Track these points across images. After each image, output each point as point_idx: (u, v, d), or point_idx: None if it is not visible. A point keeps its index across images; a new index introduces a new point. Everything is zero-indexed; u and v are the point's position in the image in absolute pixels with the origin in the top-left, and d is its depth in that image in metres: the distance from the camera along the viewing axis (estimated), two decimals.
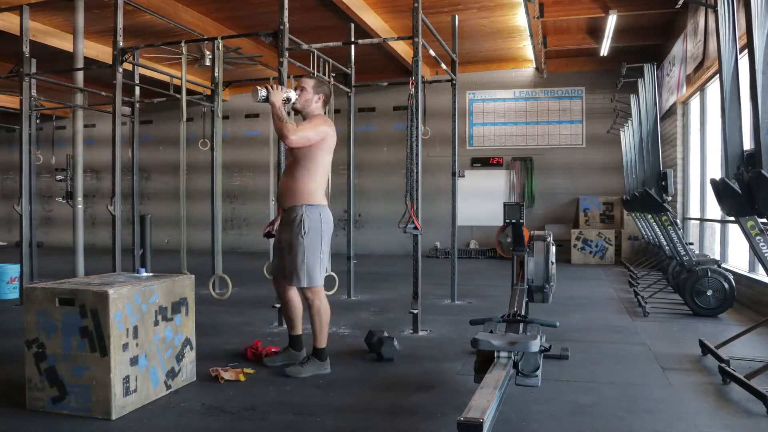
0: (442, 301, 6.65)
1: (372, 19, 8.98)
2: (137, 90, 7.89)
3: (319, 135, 3.76)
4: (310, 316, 3.84)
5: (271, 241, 4.13)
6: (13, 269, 6.82)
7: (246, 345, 4.30)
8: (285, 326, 4.52)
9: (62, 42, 9.31)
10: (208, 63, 8.19)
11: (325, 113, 4.02)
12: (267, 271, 7.04)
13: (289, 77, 6.37)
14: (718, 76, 3.82)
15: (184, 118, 5.48)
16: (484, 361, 2.92)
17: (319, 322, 3.81)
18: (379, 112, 13.21)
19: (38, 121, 8.25)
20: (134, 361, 3.15)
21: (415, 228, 5.07)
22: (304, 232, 3.71)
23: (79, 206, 6.71)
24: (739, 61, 3.57)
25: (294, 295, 3.96)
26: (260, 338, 4.51)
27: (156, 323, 3.33)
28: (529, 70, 12.48)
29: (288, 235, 3.77)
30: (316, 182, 3.81)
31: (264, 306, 6.12)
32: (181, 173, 5.70)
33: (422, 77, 5.55)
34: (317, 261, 3.77)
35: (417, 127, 5.19)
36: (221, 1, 8.63)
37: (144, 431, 2.92)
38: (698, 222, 8.87)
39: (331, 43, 5.96)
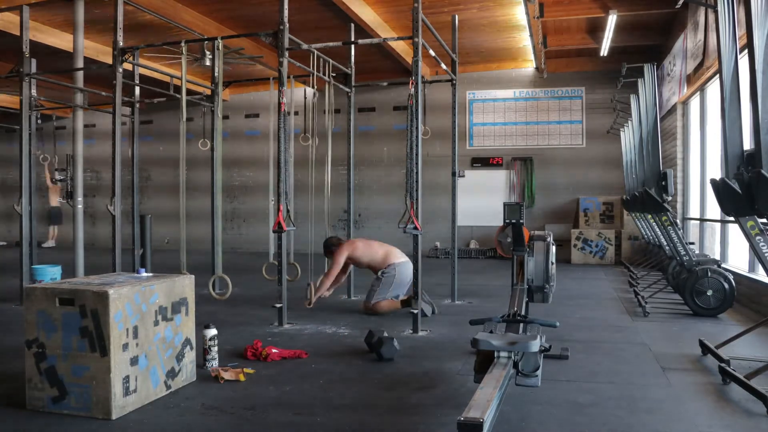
0: (442, 301, 6.64)
1: (372, 18, 8.97)
2: (137, 90, 7.89)
3: (339, 263, 6.01)
4: None
5: (271, 238, 4.68)
6: (53, 271, 6.62)
7: (246, 345, 4.31)
8: (288, 325, 5.08)
9: (62, 42, 9.31)
10: (208, 63, 8.19)
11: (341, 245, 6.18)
12: (266, 271, 7.05)
13: (289, 77, 6.38)
14: (718, 76, 3.82)
15: (184, 118, 5.48)
16: (484, 361, 2.92)
17: None
18: (379, 112, 13.21)
19: (38, 120, 8.25)
20: (134, 361, 3.15)
21: (415, 228, 5.07)
22: None
23: (79, 206, 6.71)
24: (739, 61, 3.57)
25: None
26: (260, 338, 4.52)
27: (156, 323, 3.33)
28: (529, 69, 12.48)
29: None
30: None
31: (264, 306, 6.12)
32: (180, 173, 5.70)
33: (422, 77, 5.55)
34: None
35: (417, 127, 5.19)
36: (221, 1, 8.63)
37: (144, 431, 2.92)
38: (698, 222, 8.87)
39: (331, 43, 5.96)
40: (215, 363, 3.93)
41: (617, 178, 11.26)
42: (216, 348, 3.95)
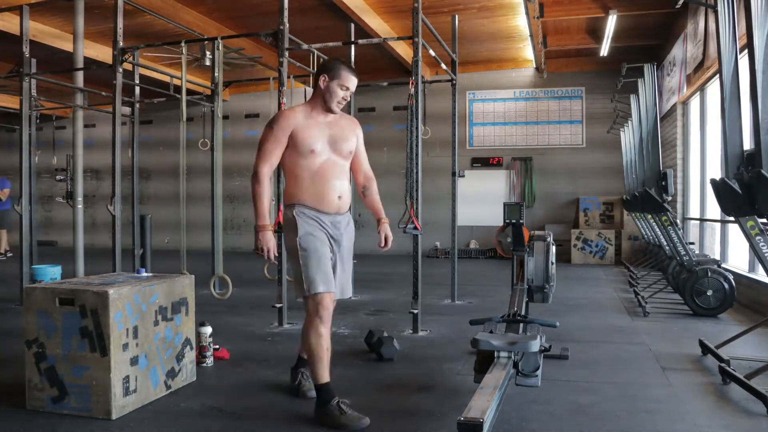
0: (442, 301, 6.64)
1: (372, 19, 8.97)
2: (137, 90, 7.89)
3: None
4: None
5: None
6: (53, 271, 6.58)
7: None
8: (289, 325, 4.82)
9: (62, 42, 9.31)
10: (208, 63, 8.19)
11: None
12: (267, 272, 7.04)
13: (289, 77, 6.38)
14: (718, 76, 3.82)
15: (184, 119, 5.48)
16: (484, 361, 2.92)
17: None
18: (379, 113, 13.20)
19: (38, 121, 8.25)
20: (134, 361, 3.15)
21: (415, 228, 5.07)
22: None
23: (79, 206, 6.71)
24: (739, 61, 3.57)
25: None
26: (260, 338, 4.52)
27: (156, 323, 3.33)
28: (529, 70, 12.48)
29: (348, 242, 3.25)
30: None
31: (264, 306, 6.12)
32: (181, 174, 5.70)
33: (422, 77, 5.55)
34: None
35: (417, 128, 5.19)
36: (221, 1, 8.63)
37: (144, 431, 2.92)
38: (698, 222, 8.87)
39: (331, 43, 5.96)
40: (210, 362, 3.93)
41: (617, 178, 11.25)
42: (212, 348, 3.95)
